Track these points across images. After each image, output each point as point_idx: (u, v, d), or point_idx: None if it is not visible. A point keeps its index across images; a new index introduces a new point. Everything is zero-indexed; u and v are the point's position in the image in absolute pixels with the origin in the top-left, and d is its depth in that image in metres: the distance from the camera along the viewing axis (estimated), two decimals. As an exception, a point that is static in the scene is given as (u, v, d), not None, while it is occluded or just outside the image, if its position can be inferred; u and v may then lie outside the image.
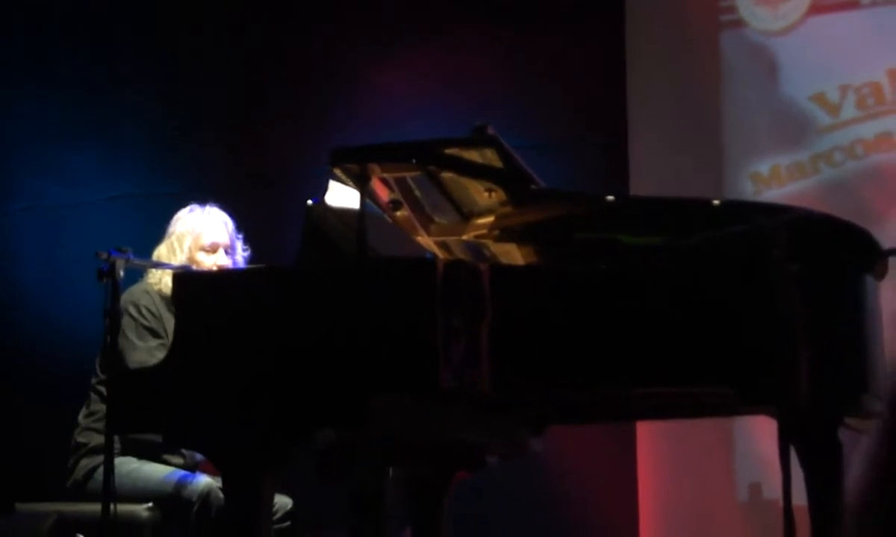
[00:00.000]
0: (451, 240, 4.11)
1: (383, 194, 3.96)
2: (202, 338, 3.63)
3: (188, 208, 4.86)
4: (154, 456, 4.55)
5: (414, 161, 3.82)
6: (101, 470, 4.20)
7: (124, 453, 4.49)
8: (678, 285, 3.63)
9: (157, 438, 4.28)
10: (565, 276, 3.66)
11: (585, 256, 3.94)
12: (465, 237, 4.08)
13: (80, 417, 4.67)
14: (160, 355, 4.06)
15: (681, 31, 6.13)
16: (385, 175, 3.87)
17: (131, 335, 4.53)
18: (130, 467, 4.49)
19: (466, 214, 4.05)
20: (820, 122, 5.88)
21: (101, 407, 4.50)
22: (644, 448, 5.92)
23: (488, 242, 4.08)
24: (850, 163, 5.84)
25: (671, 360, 3.58)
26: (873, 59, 5.81)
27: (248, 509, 3.60)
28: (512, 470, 4.84)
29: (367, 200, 3.68)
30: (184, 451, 4.55)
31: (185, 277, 4.00)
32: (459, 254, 4.13)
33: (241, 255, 4.86)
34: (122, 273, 3.98)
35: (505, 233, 4.01)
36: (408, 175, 3.92)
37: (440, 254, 4.10)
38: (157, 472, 4.51)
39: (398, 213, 4.02)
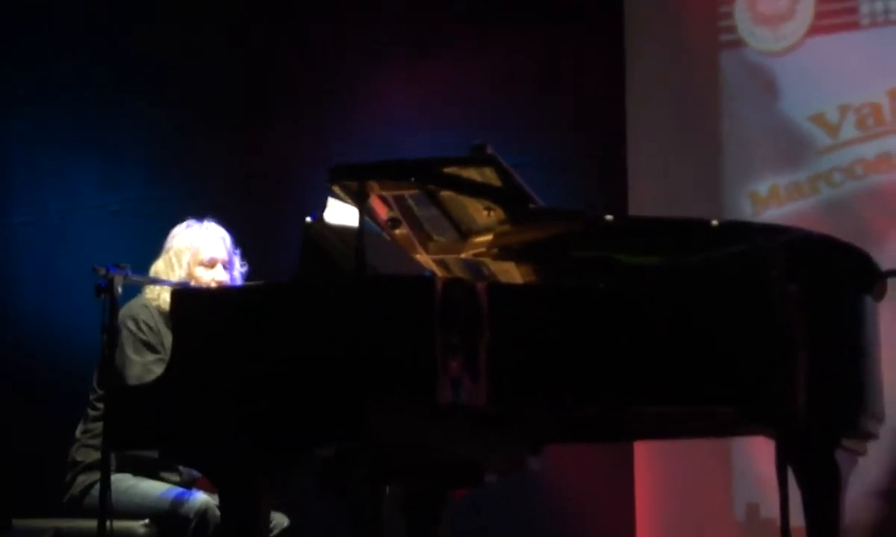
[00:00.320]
0: (449, 258, 4.12)
1: (382, 212, 3.97)
2: (200, 355, 3.63)
3: (185, 224, 4.85)
4: (151, 473, 4.54)
5: (413, 179, 3.82)
6: (97, 486, 4.20)
7: (120, 470, 4.48)
8: (676, 304, 3.63)
9: (154, 455, 4.30)
10: (563, 295, 3.66)
11: (584, 275, 3.94)
12: (463, 255, 4.08)
13: (77, 433, 4.67)
14: (158, 370, 4.06)
15: (680, 50, 6.14)
16: (384, 193, 3.87)
17: (129, 350, 4.53)
18: (128, 484, 4.48)
19: (465, 232, 4.05)
20: (819, 142, 5.89)
21: (97, 424, 4.49)
22: (641, 467, 5.92)
23: (487, 260, 4.08)
24: (849, 183, 5.85)
25: (669, 379, 3.57)
26: (873, 79, 5.82)
27: (244, 526, 3.60)
28: (510, 486, 4.83)
29: (366, 218, 3.68)
30: (180, 468, 4.55)
31: (184, 294, 4.00)
32: (458, 272, 4.13)
33: (238, 271, 4.86)
34: (120, 289, 3.98)
35: (503, 251, 4.01)
36: (406, 193, 3.93)
37: (439, 271, 4.10)
38: (155, 489, 4.51)
39: (397, 231, 4.03)
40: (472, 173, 3.80)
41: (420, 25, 6.51)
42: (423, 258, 4.09)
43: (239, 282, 4.81)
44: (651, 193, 6.03)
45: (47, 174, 7.03)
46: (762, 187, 5.97)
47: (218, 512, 4.13)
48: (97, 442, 4.47)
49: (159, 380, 3.73)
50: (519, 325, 3.56)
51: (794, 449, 3.47)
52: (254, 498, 3.60)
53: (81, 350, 5.20)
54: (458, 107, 6.28)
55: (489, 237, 3.98)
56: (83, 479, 4.58)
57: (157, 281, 4.61)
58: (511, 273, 4.10)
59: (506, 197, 3.80)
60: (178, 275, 4.69)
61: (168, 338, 4.45)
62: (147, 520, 4.43)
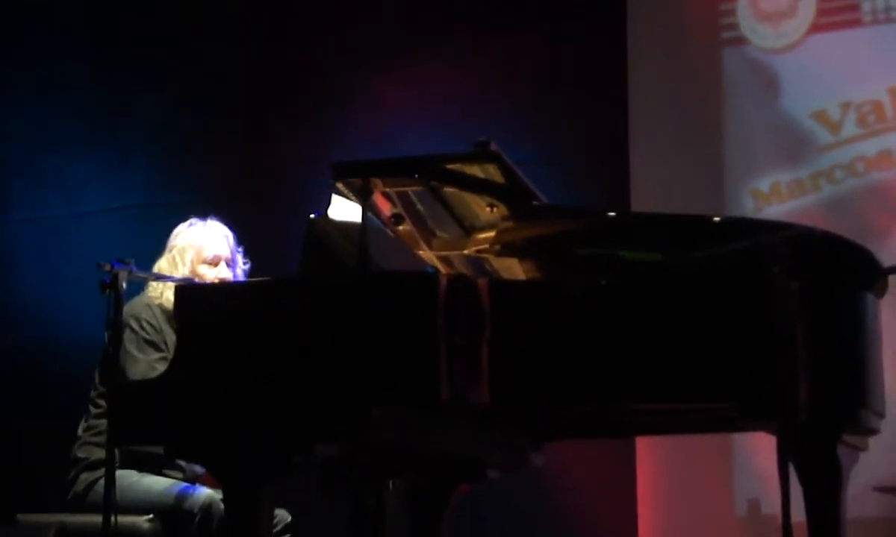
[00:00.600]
0: (452, 254, 4.13)
1: (385, 208, 3.98)
2: (204, 350, 3.64)
3: (188, 222, 4.86)
4: (154, 469, 4.55)
5: (416, 176, 3.83)
6: (101, 483, 4.21)
7: (124, 466, 4.48)
8: (679, 301, 3.64)
9: (158, 451, 4.30)
10: (566, 291, 3.67)
11: (586, 271, 3.95)
12: (466, 251, 4.09)
13: (80, 430, 4.67)
14: (161, 368, 4.07)
15: (682, 47, 6.14)
16: (387, 189, 3.88)
17: (132, 348, 4.53)
18: (131, 480, 4.49)
19: (468, 229, 4.06)
20: (821, 139, 5.90)
21: (99, 421, 4.50)
22: (643, 463, 5.93)
23: (490, 257, 4.09)
24: (850, 180, 5.86)
25: (671, 375, 3.58)
26: (874, 76, 5.83)
27: (248, 521, 3.60)
28: (512, 483, 4.84)
29: (369, 214, 3.69)
30: (184, 465, 4.55)
31: (188, 290, 4.01)
32: (461, 268, 4.14)
33: (241, 268, 4.87)
34: (124, 285, 3.99)
35: (506, 247, 4.02)
36: (410, 189, 3.94)
37: (442, 268, 4.11)
38: (158, 484, 4.52)
39: (400, 227, 4.03)
40: (475, 170, 3.81)
41: (420, 25, 6.52)
42: (427, 254, 4.10)
43: (242, 279, 4.82)
44: (653, 190, 6.04)
45: (47, 174, 7.03)
46: (764, 184, 5.98)
47: (222, 507, 4.14)
48: (100, 439, 4.48)
49: (163, 375, 3.73)
50: (522, 322, 3.57)
51: (795, 445, 3.47)
52: (258, 494, 3.61)
53: (82, 349, 5.21)
54: (458, 106, 6.28)
55: (492, 233, 3.98)
56: (86, 476, 4.58)
57: (161, 277, 4.61)
58: (514, 269, 4.11)
59: (509, 193, 3.81)
60: (181, 273, 4.69)
61: (171, 337, 4.47)
62: (151, 516, 4.44)
